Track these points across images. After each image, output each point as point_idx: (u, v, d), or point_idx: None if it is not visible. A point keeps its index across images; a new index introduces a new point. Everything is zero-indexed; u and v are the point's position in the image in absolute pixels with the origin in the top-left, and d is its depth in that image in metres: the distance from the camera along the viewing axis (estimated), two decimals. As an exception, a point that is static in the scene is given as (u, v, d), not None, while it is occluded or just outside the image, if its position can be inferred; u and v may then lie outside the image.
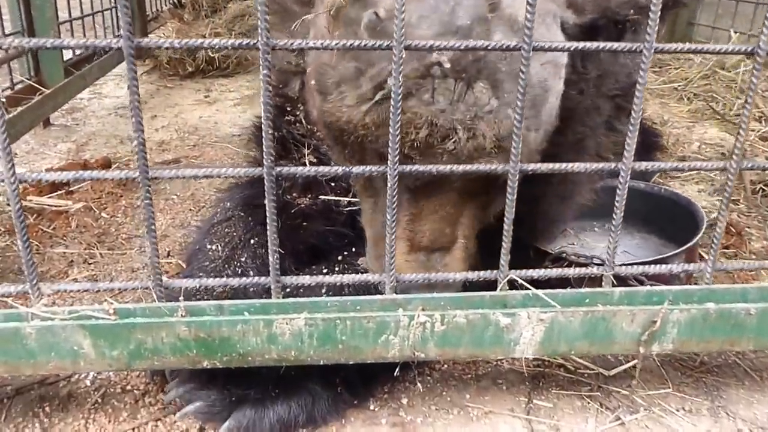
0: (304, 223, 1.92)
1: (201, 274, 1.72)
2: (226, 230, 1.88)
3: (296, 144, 2.01)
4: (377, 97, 1.32)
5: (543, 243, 2.05)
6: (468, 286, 1.45)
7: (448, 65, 1.28)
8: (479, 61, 1.29)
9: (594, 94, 1.84)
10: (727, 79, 4.05)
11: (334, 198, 1.94)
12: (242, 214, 1.92)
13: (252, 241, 1.82)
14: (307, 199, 1.95)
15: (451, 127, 1.32)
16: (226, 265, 1.75)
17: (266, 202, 1.31)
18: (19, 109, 2.99)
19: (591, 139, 1.92)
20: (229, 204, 1.99)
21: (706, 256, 2.27)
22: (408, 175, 1.29)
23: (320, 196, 1.95)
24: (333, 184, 1.98)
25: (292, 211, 1.93)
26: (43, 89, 3.32)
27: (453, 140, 1.33)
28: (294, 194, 1.98)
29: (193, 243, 2.02)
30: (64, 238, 2.46)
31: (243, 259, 1.76)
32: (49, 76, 3.50)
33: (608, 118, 2.11)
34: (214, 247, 1.80)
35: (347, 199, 1.94)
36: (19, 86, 3.32)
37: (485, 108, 1.32)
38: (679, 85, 4.10)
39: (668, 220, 2.31)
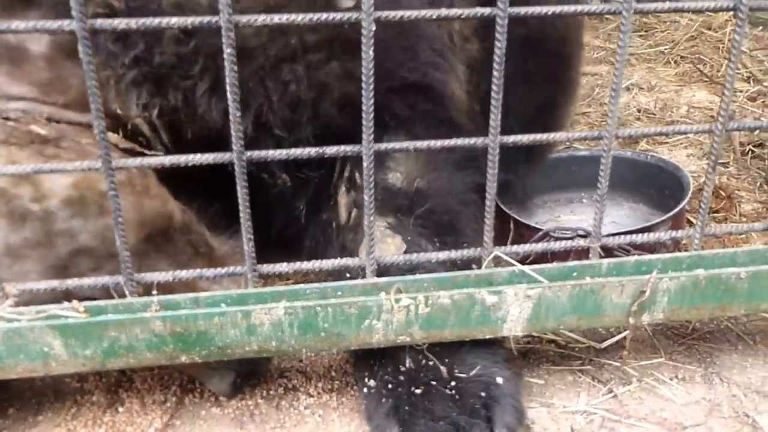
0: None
1: None
2: None
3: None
4: None
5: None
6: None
7: None
8: None
9: None
10: (715, 40, 3.98)
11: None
12: None
13: None
14: None
15: None
16: None
17: (238, 188, 1.26)
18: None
19: None
20: None
21: (694, 221, 2.24)
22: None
23: None
24: None
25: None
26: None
27: None
28: None
29: None
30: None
31: None
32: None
33: None
34: None
35: None
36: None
37: None
38: (665, 48, 4.02)
39: (656, 187, 2.28)
